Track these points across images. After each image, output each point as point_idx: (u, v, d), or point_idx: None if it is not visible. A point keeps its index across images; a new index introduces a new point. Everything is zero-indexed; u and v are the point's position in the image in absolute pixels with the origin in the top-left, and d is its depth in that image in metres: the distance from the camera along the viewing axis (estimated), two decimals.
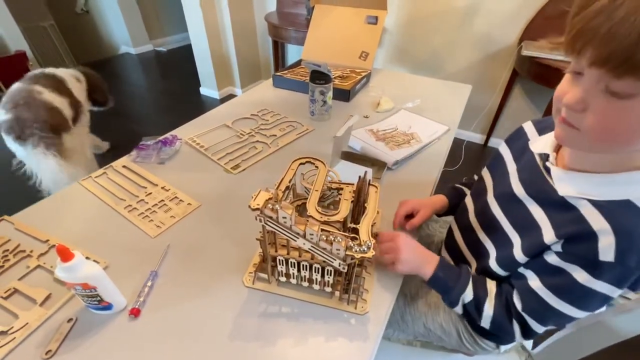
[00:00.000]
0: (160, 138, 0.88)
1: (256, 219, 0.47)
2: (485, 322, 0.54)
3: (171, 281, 0.57)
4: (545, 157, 0.51)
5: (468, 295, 0.53)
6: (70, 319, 0.50)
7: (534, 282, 0.48)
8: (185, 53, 3.54)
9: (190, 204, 0.72)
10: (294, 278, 0.54)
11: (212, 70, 2.61)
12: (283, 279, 0.55)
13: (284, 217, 0.45)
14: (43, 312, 0.50)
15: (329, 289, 0.54)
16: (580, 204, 0.44)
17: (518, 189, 0.54)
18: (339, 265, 0.48)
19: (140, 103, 2.75)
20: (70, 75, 1.52)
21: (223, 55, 2.62)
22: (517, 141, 0.61)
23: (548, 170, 0.49)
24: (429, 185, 0.81)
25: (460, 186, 0.77)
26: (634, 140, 0.37)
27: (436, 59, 2.13)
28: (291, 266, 0.52)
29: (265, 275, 0.56)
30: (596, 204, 0.42)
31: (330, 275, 0.51)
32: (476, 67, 2.04)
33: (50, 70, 1.46)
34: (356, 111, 1.12)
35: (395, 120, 1.05)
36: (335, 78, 1.23)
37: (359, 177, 0.59)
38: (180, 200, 0.73)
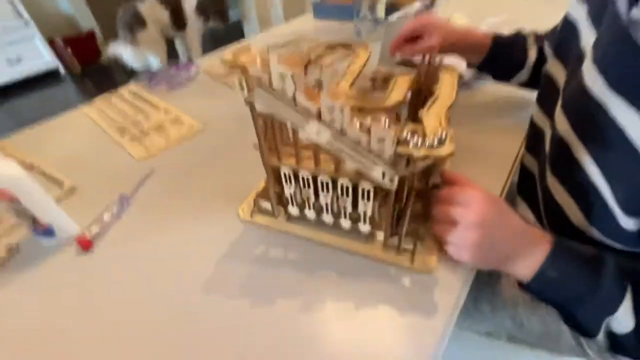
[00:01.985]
0: (174, 64, 0.74)
1: (241, 92, 0.28)
2: None
3: (145, 210, 0.41)
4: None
5: (622, 320, 0.27)
6: (11, 248, 0.37)
7: None
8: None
9: (192, 126, 0.56)
10: (310, 208, 0.34)
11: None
12: (295, 210, 0.35)
13: (282, 77, 0.25)
14: None
15: (366, 227, 0.33)
16: None
17: (593, 79, 0.28)
18: (384, 177, 0.26)
19: None
20: None
21: None
22: None
23: None
24: (522, 110, 0.53)
25: (526, 35, 0.49)
26: None
27: None
28: (305, 186, 0.32)
29: (268, 205, 0.36)
30: None
31: (368, 201, 0.30)
32: None
33: None
34: None
35: None
36: None
37: (423, 56, 0.36)
38: (181, 122, 0.57)
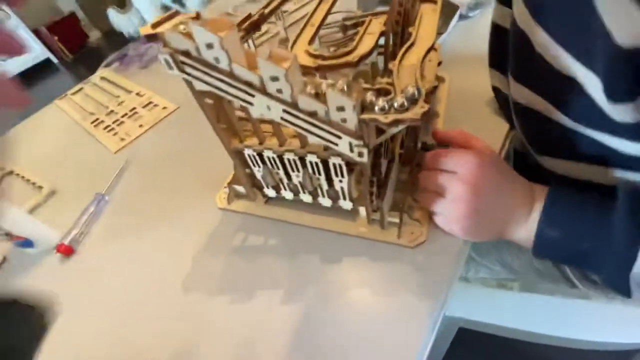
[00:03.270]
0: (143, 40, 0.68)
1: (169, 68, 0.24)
2: None
3: (122, 207, 0.39)
4: None
5: None
6: None
7: None
8: None
9: (166, 107, 0.52)
10: (286, 189, 0.31)
11: None
12: (271, 192, 0.32)
13: (210, 46, 0.20)
14: None
15: (347, 204, 0.29)
16: None
17: None
18: (352, 150, 0.22)
19: None
20: None
21: None
22: None
23: None
24: None
25: None
26: None
27: None
28: (273, 167, 0.29)
29: (242, 189, 0.34)
30: None
31: (343, 177, 0.26)
32: None
33: None
34: None
35: None
36: None
37: None
38: (155, 105, 0.53)
